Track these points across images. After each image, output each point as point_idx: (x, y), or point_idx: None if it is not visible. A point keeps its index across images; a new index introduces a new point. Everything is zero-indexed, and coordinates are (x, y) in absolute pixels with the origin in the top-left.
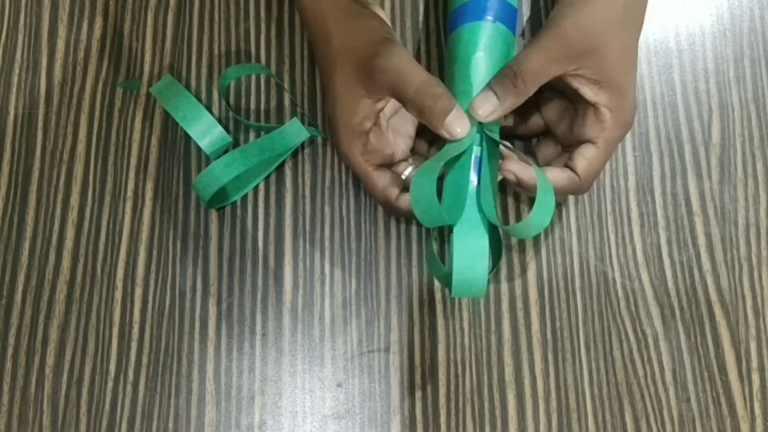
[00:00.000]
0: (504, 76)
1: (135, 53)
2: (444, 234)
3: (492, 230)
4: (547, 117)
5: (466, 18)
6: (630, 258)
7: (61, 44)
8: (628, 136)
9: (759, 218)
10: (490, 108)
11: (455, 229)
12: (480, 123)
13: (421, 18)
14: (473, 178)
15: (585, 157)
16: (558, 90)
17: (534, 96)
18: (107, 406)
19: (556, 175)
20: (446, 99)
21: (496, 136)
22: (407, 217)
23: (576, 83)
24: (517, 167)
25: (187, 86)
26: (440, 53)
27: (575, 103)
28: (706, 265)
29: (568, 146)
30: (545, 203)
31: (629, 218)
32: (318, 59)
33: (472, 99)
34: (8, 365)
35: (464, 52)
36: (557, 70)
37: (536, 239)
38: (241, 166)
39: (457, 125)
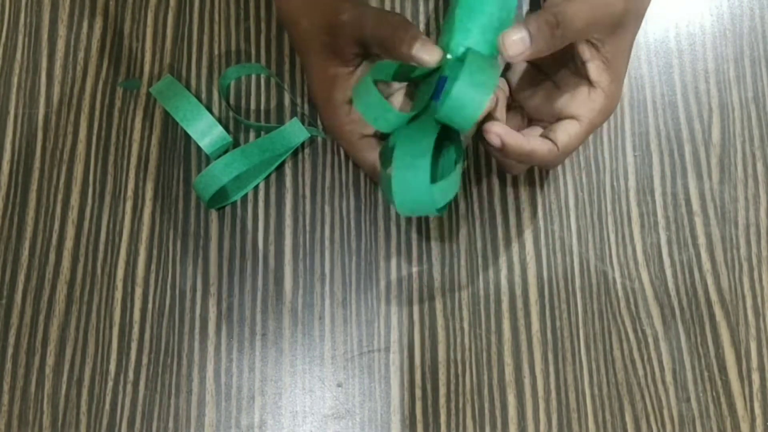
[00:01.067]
0: (544, 21)
1: (135, 53)
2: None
3: (450, 132)
4: (518, 90)
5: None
6: (630, 258)
7: (61, 44)
8: (628, 136)
9: (759, 218)
10: (520, 48)
11: (396, 145)
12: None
13: (421, 18)
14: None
15: (567, 132)
16: (532, 63)
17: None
18: (107, 406)
19: (538, 143)
20: (410, 27)
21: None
22: None
23: (589, 54)
24: (503, 131)
25: (187, 86)
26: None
27: (557, 77)
28: (706, 265)
29: (538, 120)
30: (473, 75)
31: (629, 218)
32: (295, 48)
33: (470, 35)
34: (8, 365)
35: None
36: (590, 32)
37: (536, 239)
38: (241, 166)
39: (425, 53)
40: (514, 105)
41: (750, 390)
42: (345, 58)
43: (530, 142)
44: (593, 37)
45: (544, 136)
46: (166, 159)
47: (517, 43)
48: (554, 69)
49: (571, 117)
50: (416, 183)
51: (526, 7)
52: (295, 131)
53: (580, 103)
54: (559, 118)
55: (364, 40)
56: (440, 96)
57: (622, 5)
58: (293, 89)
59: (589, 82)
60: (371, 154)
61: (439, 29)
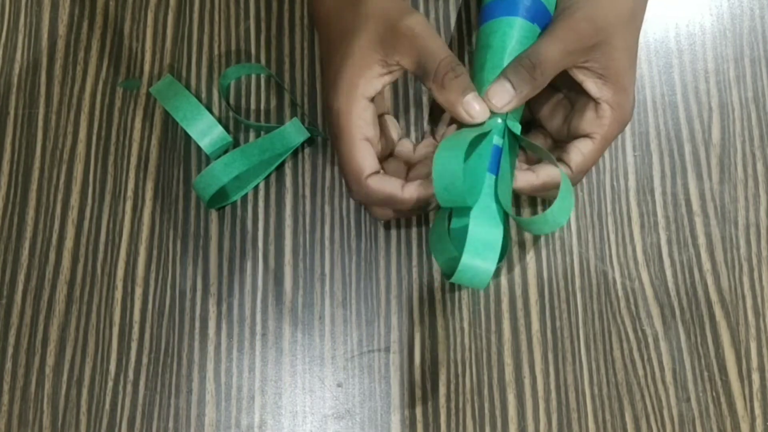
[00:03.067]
0: (520, 66)
1: (135, 53)
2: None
3: (504, 225)
4: (538, 111)
5: (505, 11)
6: (630, 258)
7: (61, 44)
8: (628, 136)
9: (759, 218)
10: (506, 98)
11: (472, 214)
12: (503, 115)
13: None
14: (491, 168)
15: (581, 152)
16: (551, 84)
17: None
18: (107, 406)
19: (547, 174)
20: (468, 79)
21: (517, 130)
22: (365, 203)
23: (582, 76)
24: (528, 178)
25: (187, 86)
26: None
27: (572, 97)
28: (706, 265)
29: (561, 140)
30: (565, 200)
31: (629, 218)
32: (331, 25)
33: None
34: (8, 365)
35: (500, 42)
36: (570, 61)
37: (536, 239)
38: (241, 165)
39: (476, 104)
40: (536, 126)
41: (750, 390)
42: (392, 59)
43: (539, 176)
44: (578, 62)
45: (559, 158)
46: (166, 159)
47: (502, 93)
48: (567, 89)
49: (585, 135)
50: (482, 271)
51: None
52: (295, 131)
53: (589, 122)
54: (575, 137)
55: (422, 63)
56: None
57: (591, 31)
58: (293, 89)
59: (593, 100)
60: (363, 153)
61: (438, 28)
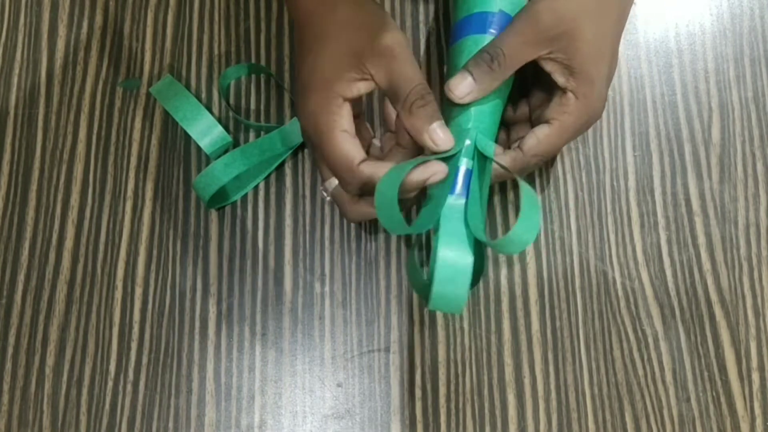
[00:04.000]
0: (480, 59)
1: (135, 53)
2: (423, 242)
3: (476, 248)
4: (532, 105)
5: (470, 30)
6: (630, 258)
7: (61, 44)
8: (628, 136)
9: (759, 218)
10: (466, 89)
11: (439, 242)
12: (473, 136)
13: (421, 18)
14: (460, 192)
15: (536, 136)
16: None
17: (523, 85)
18: (107, 406)
19: (498, 154)
20: (436, 107)
21: (490, 150)
22: (359, 192)
23: (549, 67)
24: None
25: (187, 86)
26: (440, 53)
27: (542, 86)
28: (706, 265)
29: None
30: (529, 218)
31: (629, 218)
32: (306, 28)
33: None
34: (8, 365)
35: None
36: (531, 53)
37: (536, 239)
38: (241, 165)
39: (441, 132)
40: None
41: (750, 390)
42: (363, 74)
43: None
44: (542, 53)
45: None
46: (166, 159)
47: (463, 85)
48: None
49: (546, 122)
50: (454, 297)
51: None
52: (295, 131)
53: (553, 108)
54: (539, 123)
55: (393, 85)
56: (455, 189)
57: (552, 21)
58: (293, 88)
59: (561, 89)
60: (351, 148)
61: (438, 27)
